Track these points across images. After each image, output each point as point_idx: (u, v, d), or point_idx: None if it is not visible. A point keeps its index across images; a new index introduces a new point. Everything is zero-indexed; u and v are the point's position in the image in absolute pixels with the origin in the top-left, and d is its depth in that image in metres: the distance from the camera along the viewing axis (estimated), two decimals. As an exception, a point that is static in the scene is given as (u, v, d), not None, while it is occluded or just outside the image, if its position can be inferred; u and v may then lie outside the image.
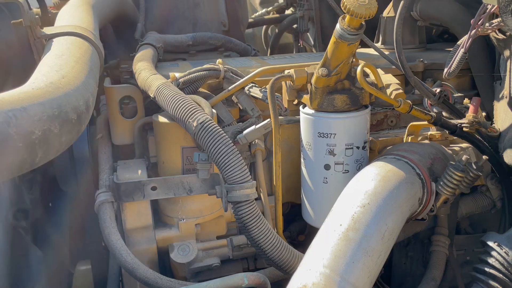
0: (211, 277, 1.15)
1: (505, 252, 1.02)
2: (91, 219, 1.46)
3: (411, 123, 1.30)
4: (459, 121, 1.26)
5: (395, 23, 1.20)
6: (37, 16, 1.19)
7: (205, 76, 1.33)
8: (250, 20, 2.83)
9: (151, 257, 1.27)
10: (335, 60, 1.13)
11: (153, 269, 1.19)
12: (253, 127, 1.24)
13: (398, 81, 1.32)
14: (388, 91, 1.26)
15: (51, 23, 1.50)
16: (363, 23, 1.06)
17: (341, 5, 1.03)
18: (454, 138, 1.33)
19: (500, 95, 1.35)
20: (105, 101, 1.49)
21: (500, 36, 1.28)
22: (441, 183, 1.13)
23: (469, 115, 1.26)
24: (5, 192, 1.35)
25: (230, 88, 1.33)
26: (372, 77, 1.20)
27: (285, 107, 1.34)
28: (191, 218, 1.28)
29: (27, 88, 0.83)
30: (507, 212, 1.36)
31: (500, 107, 1.36)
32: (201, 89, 1.38)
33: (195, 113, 1.10)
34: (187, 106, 1.11)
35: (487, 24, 1.17)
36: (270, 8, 3.13)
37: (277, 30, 2.91)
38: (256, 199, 1.12)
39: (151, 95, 1.22)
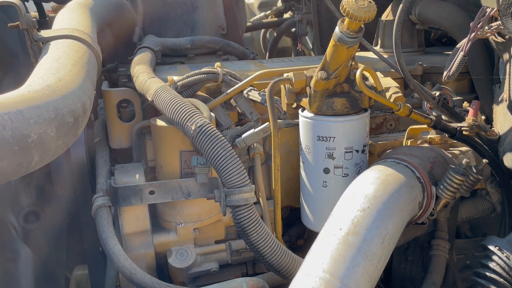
0: (209, 282, 1.13)
1: (506, 257, 1.01)
2: (88, 223, 1.45)
3: (410, 127, 1.30)
4: (459, 124, 1.25)
5: (394, 27, 1.19)
6: (34, 19, 1.19)
7: (204, 79, 1.33)
8: (248, 23, 2.84)
9: (149, 262, 1.26)
10: (334, 63, 1.12)
11: (151, 274, 1.18)
12: (251, 131, 1.23)
13: (397, 85, 1.32)
14: (388, 94, 1.25)
15: (48, 26, 1.50)
16: (362, 26, 1.06)
17: (340, 8, 1.03)
18: (454, 141, 1.33)
19: (500, 99, 1.35)
20: (103, 104, 1.48)
21: (499, 39, 1.27)
22: (441, 186, 1.12)
23: (469, 118, 1.26)
24: (14, 194, 1.35)
25: (228, 91, 1.32)
26: (371, 81, 1.19)
27: (284, 111, 1.33)
28: (189, 222, 1.27)
29: (23, 91, 0.82)
30: (507, 216, 1.35)
31: (499, 111, 1.36)
32: (199, 93, 1.37)
33: (194, 116, 1.10)
34: (185, 109, 1.11)
35: (486, 27, 1.17)
36: (269, 11, 3.14)
37: (275, 34, 2.91)
38: (255, 203, 1.11)
39: (149, 99, 1.21)
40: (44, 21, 1.80)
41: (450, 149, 1.35)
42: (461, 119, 1.31)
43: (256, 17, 3.23)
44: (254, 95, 1.30)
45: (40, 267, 1.50)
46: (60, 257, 1.61)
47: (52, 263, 1.58)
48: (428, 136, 1.34)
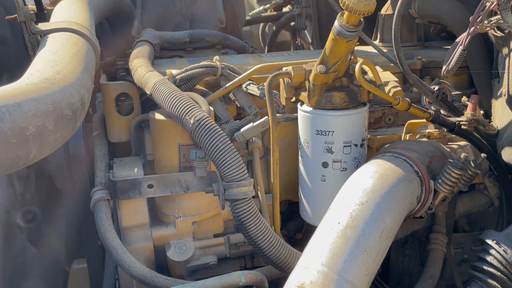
0: (208, 276, 1.14)
1: (503, 250, 1.02)
2: (86, 217, 1.45)
3: (409, 121, 1.30)
4: (457, 119, 1.25)
5: (394, 21, 1.19)
6: (32, 12, 1.18)
7: (202, 73, 1.33)
8: (247, 17, 2.83)
9: (148, 255, 1.27)
10: (333, 57, 1.12)
11: (149, 267, 1.18)
12: (250, 125, 1.23)
13: (396, 79, 1.31)
14: (387, 88, 1.25)
15: (46, 19, 1.49)
16: (362, 19, 1.06)
17: (340, 1, 1.02)
18: (452, 136, 1.33)
19: (498, 93, 1.35)
20: (101, 98, 1.48)
21: (499, 33, 1.27)
22: (440, 181, 1.12)
23: (467, 113, 1.26)
24: (11, 193, 1.34)
25: (227, 85, 1.32)
26: (370, 75, 1.19)
27: (283, 105, 1.33)
28: (188, 216, 1.27)
29: (21, 83, 0.82)
30: (504, 210, 1.35)
31: (498, 105, 1.36)
32: (198, 86, 1.37)
33: (192, 110, 1.10)
34: (184, 103, 1.11)
35: (485, 22, 1.17)
36: (268, 5, 3.12)
37: (274, 28, 2.90)
38: (253, 197, 1.11)
39: (148, 92, 1.21)
40: (42, 14, 1.79)
41: (449, 143, 1.36)
42: (459, 113, 1.31)
43: (255, 11, 3.22)
44: (253, 89, 1.30)
45: (41, 261, 1.51)
46: (59, 251, 1.62)
47: (51, 257, 1.58)
48: (427, 131, 1.34)
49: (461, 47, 1.21)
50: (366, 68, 1.19)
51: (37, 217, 1.49)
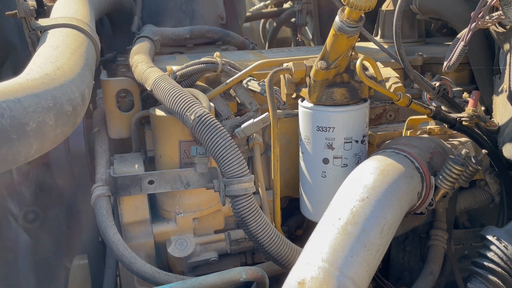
0: (208, 272, 1.14)
1: (504, 246, 1.02)
2: (87, 213, 1.45)
3: (410, 117, 1.30)
4: (458, 115, 1.25)
5: (395, 17, 1.19)
6: (32, 8, 1.18)
7: (203, 69, 1.32)
8: (248, 13, 2.82)
9: (149, 251, 1.27)
10: (334, 53, 1.12)
11: (150, 263, 1.18)
12: (251, 121, 1.23)
13: (397, 75, 1.31)
14: (387, 84, 1.25)
15: (47, 15, 1.49)
16: (363, 15, 1.05)
17: (341, -3, 1.02)
18: (453, 132, 1.33)
19: (500, 89, 1.35)
20: (101, 94, 1.47)
21: (500, 29, 1.27)
22: (440, 177, 1.12)
23: (469, 109, 1.26)
24: (14, 193, 1.35)
25: (228, 81, 1.32)
26: (371, 71, 1.19)
27: (284, 101, 1.33)
28: (189, 212, 1.27)
29: (21, 79, 0.82)
30: (505, 207, 1.35)
31: (499, 101, 1.36)
32: (198, 83, 1.36)
33: (193, 106, 1.09)
34: (184, 99, 1.10)
35: (487, 17, 1.16)
36: (268, 1, 3.12)
37: (275, 24, 2.90)
38: (254, 193, 1.11)
39: (148, 88, 1.21)
40: (42, 10, 1.78)
41: (450, 139, 1.35)
42: (460, 109, 1.31)
43: (255, 7, 3.22)
44: (254, 85, 1.29)
45: (40, 257, 1.51)
46: (59, 247, 1.62)
47: (52, 253, 1.58)
48: (428, 127, 1.34)
49: (462, 43, 1.20)
50: (367, 64, 1.19)
51: (39, 217, 1.49)
